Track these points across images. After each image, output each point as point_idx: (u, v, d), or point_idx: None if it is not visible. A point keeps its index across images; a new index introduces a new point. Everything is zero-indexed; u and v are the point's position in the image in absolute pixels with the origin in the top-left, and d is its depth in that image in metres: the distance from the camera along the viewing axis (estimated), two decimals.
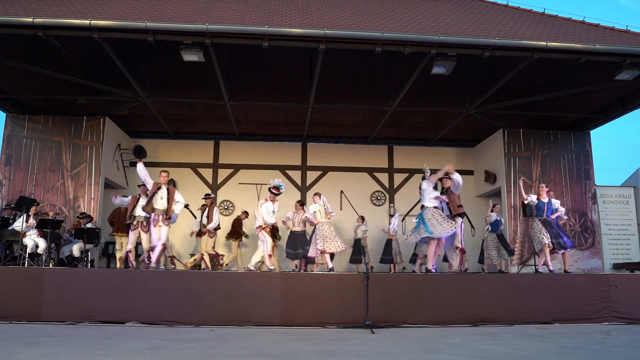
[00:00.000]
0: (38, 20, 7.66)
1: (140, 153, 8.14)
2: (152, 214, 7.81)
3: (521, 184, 9.05)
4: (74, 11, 8.19)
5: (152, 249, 7.90)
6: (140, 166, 7.90)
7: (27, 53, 9.39)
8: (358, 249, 10.85)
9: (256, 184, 12.48)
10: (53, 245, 9.10)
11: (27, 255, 8.19)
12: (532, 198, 8.50)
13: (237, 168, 13.06)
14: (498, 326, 6.54)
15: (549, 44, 8.13)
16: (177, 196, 8.01)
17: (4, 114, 11.23)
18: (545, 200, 8.48)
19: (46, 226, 8.58)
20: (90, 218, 9.97)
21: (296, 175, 13.13)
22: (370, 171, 13.29)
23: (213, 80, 9.89)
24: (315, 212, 8.32)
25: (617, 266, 11.45)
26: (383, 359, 4.13)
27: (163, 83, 11.54)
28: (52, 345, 4.68)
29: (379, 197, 13.14)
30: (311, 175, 13.13)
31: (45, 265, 8.33)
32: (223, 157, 13.20)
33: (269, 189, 8.63)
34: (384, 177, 13.28)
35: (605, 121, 11.50)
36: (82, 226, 9.48)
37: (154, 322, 6.36)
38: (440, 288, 6.79)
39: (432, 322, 6.52)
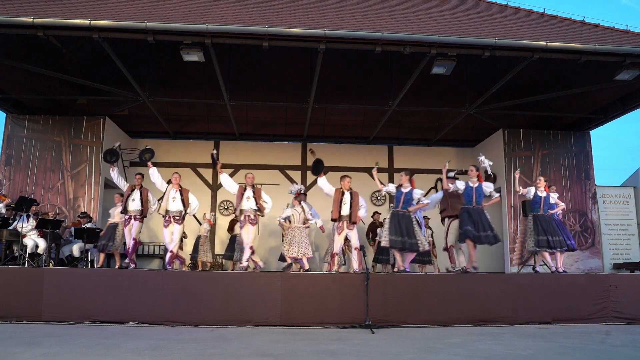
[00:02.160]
0: (38, 20, 7.66)
1: (143, 156, 8.23)
2: (166, 215, 7.86)
3: (517, 176, 8.33)
4: (74, 11, 8.19)
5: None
6: (153, 170, 8.00)
7: (27, 53, 9.39)
8: (381, 249, 10.72)
9: (256, 184, 12.46)
10: (53, 245, 9.10)
11: (27, 255, 8.20)
12: (530, 191, 7.96)
13: (237, 168, 13.05)
14: (498, 326, 6.53)
15: (549, 44, 8.13)
16: (192, 198, 8.11)
17: (4, 114, 11.24)
18: (543, 194, 7.88)
19: (46, 226, 8.58)
20: (89, 218, 9.97)
21: (296, 175, 13.13)
22: (371, 171, 13.29)
23: (213, 80, 9.89)
24: (288, 216, 8.43)
25: (617, 266, 11.45)
26: (383, 359, 4.13)
27: (163, 83, 11.54)
28: (52, 345, 4.68)
29: (379, 197, 13.15)
30: (311, 175, 13.12)
31: (45, 265, 8.33)
32: (223, 157, 13.15)
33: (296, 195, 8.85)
34: (384, 177, 13.27)
35: (605, 121, 11.50)
36: (82, 226, 9.49)
37: (154, 322, 6.36)
38: (440, 288, 6.79)
39: (432, 322, 6.51)
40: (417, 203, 7.42)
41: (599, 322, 6.83)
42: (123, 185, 8.22)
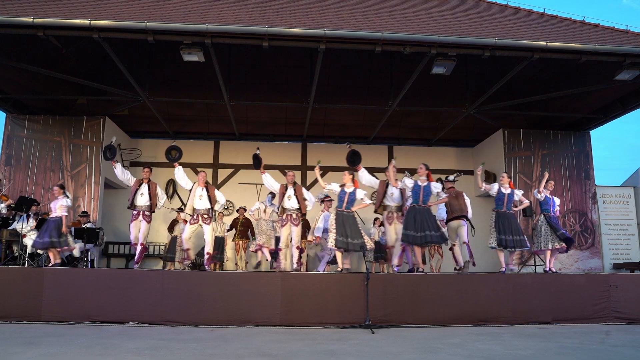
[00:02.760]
0: (38, 20, 7.66)
1: (169, 153, 8.11)
2: (193, 214, 7.77)
3: (479, 173, 7.98)
4: (74, 11, 8.19)
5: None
6: (179, 169, 7.91)
7: (27, 53, 9.38)
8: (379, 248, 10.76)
9: (256, 184, 12.48)
10: None
11: (27, 255, 8.19)
12: (493, 187, 7.77)
13: (237, 168, 13.06)
14: (498, 326, 6.53)
15: (549, 44, 8.13)
16: (219, 196, 8.03)
17: (4, 114, 11.24)
18: (507, 191, 7.68)
19: None
20: (88, 217, 9.99)
21: (296, 175, 13.11)
22: (371, 171, 13.16)
23: (213, 80, 9.89)
24: (257, 208, 9.61)
25: (617, 266, 11.45)
26: (383, 359, 4.13)
27: (163, 83, 11.54)
28: (52, 345, 4.68)
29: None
30: (311, 175, 13.12)
31: (45, 265, 8.33)
32: (223, 157, 13.20)
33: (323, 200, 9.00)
34: (384, 177, 13.26)
35: (605, 121, 11.50)
36: (82, 226, 9.49)
37: (154, 322, 6.36)
38: (440, 288, 6.79)
39: (432, 322, 6.51)
40: (437, 198, 7.53)
41: (599, 322, 6.83)
42: (129, 180, 8.03)
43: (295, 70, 11.09)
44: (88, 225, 9.63)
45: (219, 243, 10.22)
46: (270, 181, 8.08)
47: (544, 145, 11.89)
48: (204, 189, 7.86)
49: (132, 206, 7.84)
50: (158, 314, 6.41)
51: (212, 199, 7.82)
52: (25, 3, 8.45)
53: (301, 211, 7.89)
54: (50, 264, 7.80)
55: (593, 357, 4.24)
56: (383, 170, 13.24)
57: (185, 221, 10.77)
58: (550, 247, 7.91)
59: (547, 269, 7.95)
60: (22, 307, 6.43)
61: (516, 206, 7.94)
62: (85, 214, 10.02)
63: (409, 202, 7.69)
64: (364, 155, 13.15)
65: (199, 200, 7.78)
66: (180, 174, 7.92)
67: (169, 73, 11.49)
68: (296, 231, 7.81)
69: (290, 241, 8.03)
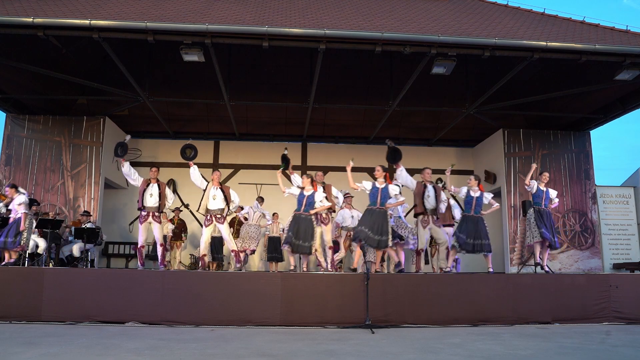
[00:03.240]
0: (38, 20, 7.66)
1: (185, 152, 8.05)
2: (207, 214, 7.68)
3: (448, 174, 7.84)
4: (74, 11, 8.19)
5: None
6: (194, 169, 7.83)
7: (27, 53, 9.39)
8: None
9: (256, 184, 12.49)
10: (53, 245, 9.09)
11: (27, 255, 8.18)
12: (462, 190, 7.67)
13: (237, 168, 13.07)
14: (498, 326, 6.53)
15: (549, 44, 8.13)
16: (233, 195, 7.96)
17: (4, 114, 11.24)
18: (476, 194, 7.57)
19: (46, 226, 8.58)
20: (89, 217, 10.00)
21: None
22: (370, 171, 13.27)
23: (213, 80, 9.89)
24: (246, 212, 10.09)
25: (617, 266, 11.45)
26: (383, 359, 4.13)
27: (163, 83, 11.54)
28: (52, 345, 4.68)
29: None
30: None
31: (45, 265, 8.33)
32: (223, 157, 13.20)
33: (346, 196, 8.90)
34: (419, 179, 13.24)
35: (605, 121, 11.50)
36: (82, 225, 9.49)
37: (154, 322, 6.36)
38: (441, 288, 6.78)
39: (432, 322, 6.51)
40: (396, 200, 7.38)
41: (599, 322, 6.82)
42: (136, 180, 7.88)
43: (295, 70, 11.09)
44: (88, 225, 9.63)
45: (218, 244, 10.24)
46: (299, 182, 7.95)
47: (544, 145, 11.89)
48: (219, 188, 7.76)
49: (142, 207, 7.68)
50: (158, 314, 6.41)
51: (227, 199, 7.73)
52: (25, 3, 8.45)
53: (331, 210, 7.85)
54: (3, 263, 7.63)
55: (593, 357, 4.24)
56: (383, 170, 13.33)
57: (171, 220, 10.84)
58: (531, 242, 7.83)
59: (537, 261, 7.80)
60: (22, 307, 6.42)
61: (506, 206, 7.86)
62: (87, 214, 10.02)
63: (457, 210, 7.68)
64: (364, 155, 13.26)
65: (213, 201, 7.66)
66: (195, 174, 7.81)
67: (169, 73, 11.50)
68: (327, 230, 7.72)
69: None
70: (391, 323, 6.37)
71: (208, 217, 7.67)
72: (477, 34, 8.36)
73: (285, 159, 8.30)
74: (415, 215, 7.70)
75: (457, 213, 8.89)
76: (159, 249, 7.81)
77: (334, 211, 8.03)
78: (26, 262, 8.05)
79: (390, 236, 7.04)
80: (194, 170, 7.81)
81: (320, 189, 7.69)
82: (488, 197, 7.64)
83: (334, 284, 6.66)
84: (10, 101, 10.85)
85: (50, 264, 8.81)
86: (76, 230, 9.16)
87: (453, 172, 7.99)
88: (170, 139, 13.04)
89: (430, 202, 7.53)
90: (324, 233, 7.68)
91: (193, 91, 11.81)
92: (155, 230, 7.76)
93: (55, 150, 11.03)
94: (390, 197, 7.24)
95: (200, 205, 7.75)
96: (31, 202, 8.96)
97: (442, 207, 7.73)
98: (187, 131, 13.13)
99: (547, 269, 7.80)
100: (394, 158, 7.98)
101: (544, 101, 11.56)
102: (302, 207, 7.29)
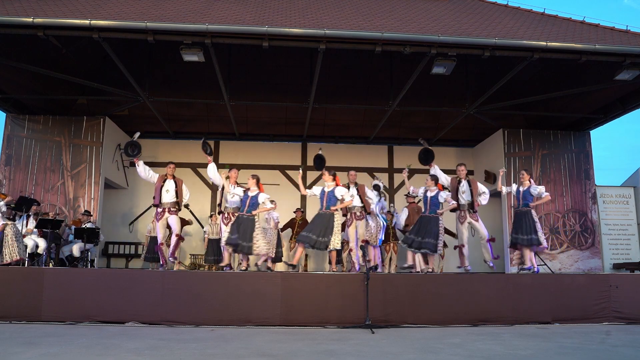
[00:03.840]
0: (38, 20, 7.66)
1: (205, 146, 8.05)
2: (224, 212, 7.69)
3: (405, 175, 8.06)
4: (74, 11, 8.19)
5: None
6: (212, 165, 7.83)
7: (27, 53, 9.39)
8: None
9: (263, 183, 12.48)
10: (53, 245, 9.10)
11: (27, 255, 8.19)
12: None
13: (237, 168, 13.02)
14: (498, 326, 6.53)
15: (549, 44, 8.12)
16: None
17: (4, 114, 11.23)
18: (431, 194, 7.55)
19: (46, 226, 8.58)
20: (90, 216, 10.00)
21: (296, 175, 13.10)
22: (370, 171, 13.29)
23: (213, 80, 9.89)
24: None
25: (617, 266, 11.45)
26: (383, 359, 4.13)
27: (163, 83, 11.54)
28: (52, 345, 4.68)
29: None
30: (311, 175, 13.12)
31: (45, 265, 8.33)
32: (223, 157, 13.19)
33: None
34: (384, 177, 13.27)
35: (605, 121, 11.50)
36: (82, 225, 9.49)
37: (154, 322, 6.36)
38: (441, 288, 6.79)
39: (432, 322, 6.51)
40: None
41: (599, 322, 6.83)
42: (152, 178, 7.82)
43: (295, 70, 11.09)
44: (88, 225, 9.63)
45: (215, 246, 10.27)
46: (214, 172, 8.02)
47: (544, 145, 11.89)
48: (236, 187, 7.77)
49: (159, 204, 7.64)
50: (158, 314, 6.41)
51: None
52: (25, 3, 8.45)
53: (365, 210, 7.91)
54: None
55: (593, 357, 4.24)
56: (383, 170, 13.36)
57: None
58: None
59: (533, 264, 7.68)
60: (22, 307, 6.43)
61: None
62: (88, 213, 10.02)
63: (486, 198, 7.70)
64: (364, 155, 13.29)
65: (232, 199, 7.69)
66: (213, 171, 7.84)
67: (169, 73, 11.49)
68: (361, 224, 7.79)
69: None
70: (391, 323, 6.37)
71: (226, 215, 7.70)
72: (477, 34, 8.36)
73: (320, 159, 8.28)
74: (453, 210, 7.82)
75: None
76: (174, 239, 7.74)
77: (369, 213, 8.03)
78: (26, 262, 8.06)
79: (332, 238, 7.14)
80: (212, 167, 7.86)
81: (352, 188, 7.83)
82: (443, 195, 7.55)
83: (334, 284, 6.66)
84: (10, 101, 10.84)
85: (50, 264, 8.82)
86: (76, 230, 9.16)
87: (456, 172, 8.01)
88: (170, 139, 13.04)
89: (465, 197, 7.67)
90: (358, 227, 7.75)
91: (193, 91, 11.81)
92: (172, 221, 7.70)
93: (55, 150, 11.03)
94: (337, 200, 7.34)
95: (220, 204, 7.78)
96: (31, 202, 8.97)
97: (483, 200, 7.74)
98: (187, 131, 13.14)
99: (536, 269, 7.63)
100: (426, 159, 8.15)
101: (544, 101, 11.56)
102: (246, 208, 7.35)
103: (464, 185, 7.71)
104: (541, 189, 7.76)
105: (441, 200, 7.51)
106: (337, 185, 7.44)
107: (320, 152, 8.31)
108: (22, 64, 9.28)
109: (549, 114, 11.96)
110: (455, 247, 8.02)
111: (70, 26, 7.80)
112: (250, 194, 7.46)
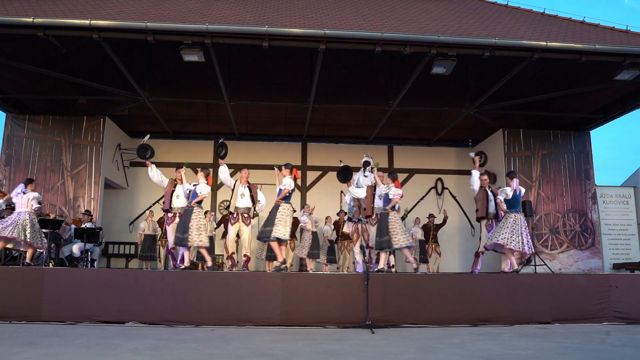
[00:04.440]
0: (38, 20, 7.66)
1: (222, 149, 8.01)
2: (234, 213, 7.67)
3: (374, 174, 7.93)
4: (74, 11, 8.19)
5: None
6: (224, 168, 7.82)
7: (27, 53, 9.39)
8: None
9: (256, 184, 12.46)
10: (53, 245, 9.10)
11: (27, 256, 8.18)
12: (381, 189, 7.63)
13: (237, 168, 13.03)
14: (498, 326, 6.53)
15: (549, 44, 8.13)
16: (260, 195, 7.96)
17: (4, 114, 11.24)
18: (386, 191, 7.54)
19: (46, 226, 8.57)
20: (91, 216, 10.00)
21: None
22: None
23: (213, 80, 9.90)
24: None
25: (617, 266, 11.46)
26: (383, 359, 4.13)
27: (163, 83, 11.54)
28: (52, 345, 4.68)
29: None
30: (311, 175, 13.13)
31: (45, 265, 8.33)
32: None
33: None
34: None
35: (605, 121, 11.51)
36: (82, 225, 9.49)
37: (154, 322, 6.36)
38: (441, 288, 6.79)
39: (432, 322, 6.51)
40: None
41: (599, 322, 6.82)
42: (163, 182, 7.83)
43: (295, 70, 11.09)
44: (88, 225, 9.63)
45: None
46: (360, 192, 8.06)
47: (544, 145, 11.89)
48: (246, 187, 7.75)
49: (169, 209, 7.66)
50: (158, 314, 6.41)
51: (254, 199, 7.72)
52: (25, 3, 8.45)
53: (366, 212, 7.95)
54: None
55: (593, 357, 4.24)
56: (383, 170, 13.33)
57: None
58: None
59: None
60: (22, 307, 6.42)
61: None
62: (88, 213, 10.01)
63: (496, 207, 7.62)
64: (364, 155, 13.24)
65: (241, 199, 7.67)
66: (225, 173, 7.84)
67: (169, 73, 11.50)
68: (247, 230, 7.79)
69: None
70: (391, 323, 6.37)
71: (234, 216, 7.68)
72: (477, 34, 8.36)
73: (347, 170, 8.27)
74: (478, 220, 7.92)
75: None
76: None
77: (370, 215, 7.94)
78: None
79: (273, 228, 7.07)
80: (225, 169, 7.86)
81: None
82: (391, 192, 7.45)
83: (334, 284, 6.66)
84: (10, 101, 10.85)
85: (50, 264, 8.81)
86: (76, 230, 9.15)
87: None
88: (170, 139, 13.04)
89: (492, 206, 7.74)
90: (243, 232, 7.75)
91: (193, 91, 11.81)
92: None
93: (55, 150, 11.03)
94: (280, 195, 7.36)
95: (230, 204, 7.81)
96: None
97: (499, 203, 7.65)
98: (187, 131, 13.14)
99: (507, 270, 7.50)
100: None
101: (544, 101, 11.57)
102: (187, 201, 7.48)
103: (490, 195, 7.76)
104: (503, 192, 7.64)
105: (390, 196, 7.42)
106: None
107: (344, 165, 8.29)
108: (22, 64, 9.29)
109: (549, 114, 11.97)
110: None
111: (70, 26, 7.81)
112: (193, 188, 7.51)
